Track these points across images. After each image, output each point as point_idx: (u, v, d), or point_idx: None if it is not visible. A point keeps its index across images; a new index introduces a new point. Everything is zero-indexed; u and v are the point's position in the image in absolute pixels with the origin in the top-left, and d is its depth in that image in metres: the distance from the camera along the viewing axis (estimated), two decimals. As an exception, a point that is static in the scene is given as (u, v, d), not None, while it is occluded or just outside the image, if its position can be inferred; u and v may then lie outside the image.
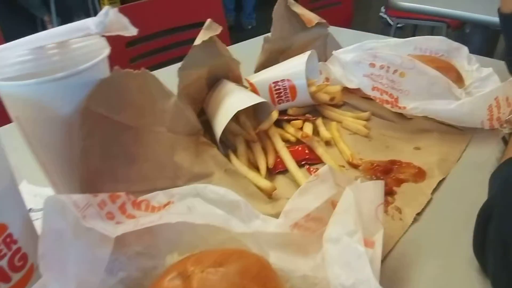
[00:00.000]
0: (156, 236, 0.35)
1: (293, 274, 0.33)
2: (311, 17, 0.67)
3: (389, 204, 0.44)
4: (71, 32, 0.29)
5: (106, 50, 0.36)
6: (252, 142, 0.50)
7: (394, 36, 2.14)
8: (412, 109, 0.54)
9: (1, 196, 0.28)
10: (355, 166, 0.50)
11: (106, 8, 0.26)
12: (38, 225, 0.34)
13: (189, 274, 0.27)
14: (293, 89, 0.57)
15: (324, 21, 0.69)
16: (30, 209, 0.47)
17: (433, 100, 0.54)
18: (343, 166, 0.50)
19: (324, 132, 0.54)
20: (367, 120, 0.59)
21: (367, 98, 0.60)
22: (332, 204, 0.35)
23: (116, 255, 0.32)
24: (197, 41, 0.50)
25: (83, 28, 0.27)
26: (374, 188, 0.35)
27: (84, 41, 0.35)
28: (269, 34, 0.66)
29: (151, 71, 0.42)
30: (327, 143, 0.54)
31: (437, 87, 0.55)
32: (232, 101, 0.50)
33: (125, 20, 0.28)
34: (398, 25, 2.44)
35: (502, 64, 0.70)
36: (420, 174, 0.48)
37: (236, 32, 3.52)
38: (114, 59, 0.37)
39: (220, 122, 0.49)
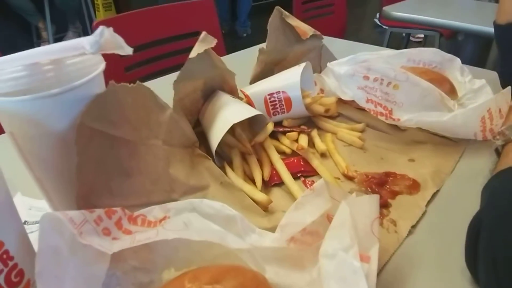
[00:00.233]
0: (152, 251, 0.34)
1: (289, 290, 0.33)
2: (306, 29, 0.68)
3: (384, 216, 0.44)
4: (65, 50, 0.29)
5: (101, 65, 0.37)
6: (247, 155, 0.50)
7: (388, 44, 2.17)
8: (406, 121, 0.54)
9: (-4, 213, 0.28)
10: (350, 178, 0.50)
11: (101, 28, 0.26)
12: (33, 238, 0.34)
13: (187, 291, 0.27)
14: (288, 100, 0.57)
15: (318, 33, 0.70)
16: (25, 221, 0.47)
17: (426, 112, 0.55)
18: (338, 178, 0.50)
19: (319, 143, 0.55)
20: (362, 131, 0.60)
21: (362, 109, 0.61)
22: (327, 217, 0.36)
23: (112, 270, 0.32)
24: (192, 54, 0.50)
25: (78, 47, 0.27)
26: (370, 202, 0.36)
27: (79, 57, 0.35)
28: (264, 46, 0.66)
29: (147, 80, 0.42)
30: (322, 155, 0.55)
31: (430, 99, 0.55)
32: (228, 114, 0.50)
33: (120, 40, 0.28)
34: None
35: (494, 73, 0.71)
36: (414, 186, 0.48)
37: (231, 40, 3.54)
38: (109, 68, 0.37)
39: (216, 135, 0.49)
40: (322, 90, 0.66)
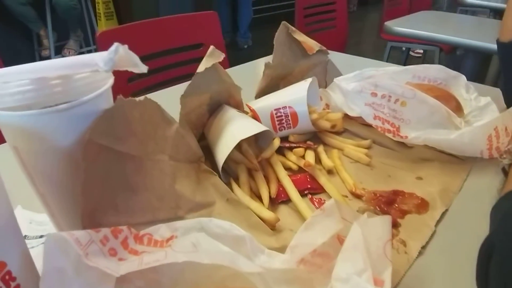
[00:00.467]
0: (158, 272, 0.33)
1: (299, 313, 0.32)
2: (312, 44, 0.68)
3: (394, 236, 0.43)
4: (77, 66, 0.28)
5: (110, 80, 0.36)
6: (254, 171, 0.50)
7: (388, 58, 2.18)
8: (414, 139, 0.54)
9: (0, 233, 0.27)
10: (358, 196, 0.49)
11: (116, 45, 0.26)
12: (33, 253, 0.33)
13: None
14: (294, 116, 0.57)
15: (324, 48, 0.70)
16: (25, 236, 0.46)
17: (434, 130, 0.54)
18: (346, 196, 0.50)
19: (326, 160, 0.54)
20: (368, 148, 0.59)
21: (367, 125, 0.60)
22: (338, 239, 0.35)
23: (118, 291, 0.31)
24: (200, 68, 0.50)
25: (91, 64, 0.27)
26: (382, 224, 0.35)
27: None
28: (269, 60, 0.66)
29: (149, 91, 0.42)
30: (329, 172, 0.54)
31: (438, 116, 0.55)
32: (235, 129, 0.50)
33: (135, 57, 0.27)
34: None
35: (497, 90, 0.71)
36: (423, 205, 0.48)
37: (232, 51, 3.56)
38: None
39: (223, 151, 0.48)
40: (327, 106, 0.66)
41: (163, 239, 0.34)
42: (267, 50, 0.85)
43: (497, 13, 2.24)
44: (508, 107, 0.58)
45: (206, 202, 0.45)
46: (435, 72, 0.70)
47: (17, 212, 0.49)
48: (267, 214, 0.44)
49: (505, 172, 0.52)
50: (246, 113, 0.60)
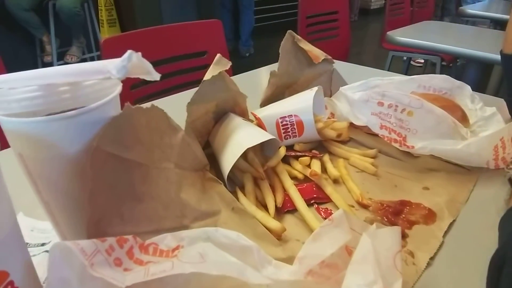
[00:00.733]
0: (163, 282, 0.33)
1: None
2: (318, 53, 0.68)
3: (402, 247, 0.43)
4: (88, 73, 0.28)
5: (118, 87, 0.36)
6: (259, 180, 0.49)
7: (389, 67, 2.19)
8: (420, 149, 0.54)
9: (3, 243, 0.27)
10: (364, 207, 0.49)
11: (129, 52, 0.25)
12: (35, 261, 0.32)
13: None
14: (300, 124, 0.57)
15: (330, 57, 0.70)
16: (27, 244, 0.45)
17: (440, 140, 0.54)
18: (353, 206, 0.49)
19: (332, 169, 0.54)
20: (374, 157, 0.59)
21: (373, 134, 0.60)
22: (346, 250, 0.34)
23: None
24: (207, 76, 0.50)
25: (103, 71, 0.26)
26: (392, 235, 0.34)
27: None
28: (274, 68, 0.66)
29: (153, 98, 0.41)
30: (335, 181, 0.54)
31: (444, 126, 0.55)
32: (241, 137, 0.50)
33: (148, 65, 0.27)
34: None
35: (501, 101, 0.71)
36: (430, 216, 0.47)
37: (234, 59, 3.57)
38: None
39: (228, 159, 0.48)
40: (332, 115, 0.66)
41: (169, 249, 0.33)
42: (269, 58, 0.85)
43: (498, 24, 2.25)
44: None
45: (211, 211, 0.45)
46: (440, 82, 0.70)
47: (19, 219, 0.48)
48: (273, 223, 0.43)
49: (511, 182, 0.52)
50: (251, 121, 0.60)
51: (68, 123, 0.32)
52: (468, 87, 0.70)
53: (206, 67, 0.52)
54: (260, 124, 0.58)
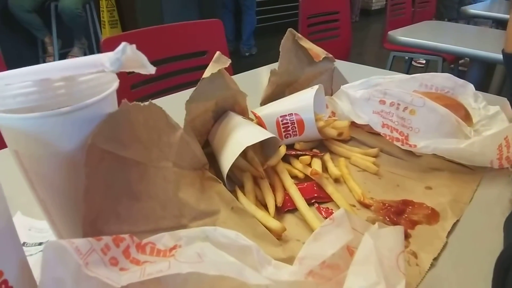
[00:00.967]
0: (161, 283, 0.32)
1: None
2: (319, 52, 0.67)
3: (405, 248, 0.42)
4: (82, 67, 0.27)
5: (115, 83, 0.35)
6: (259, 179, 0.48)
7: (390, 68, 2.18)
8: (423, 148, 0.53)
9: (-3, 241, 0.26)
10: (366, 206, 0.48)
11: (123, 44, 0.24)
12: (32, 261, 0.31)
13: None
14: (301, 123, 0.56)
15: (330, 55, 0.69)
16: (24, 243, 0.45)
17: (443, 139, 0.53)
18: (354, 206, 0.48)
19: (333, 168, 0.53)
20: (376, 156, 0.58)
21: (374, 133, 0.59)
22: (348, 250, 0.34)
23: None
24: (206, 74, 0.49)
25: (97, 64, 0.26)
26: (394, 235, 0.34)
27: (93, 74, 0.34)
28: (275, 67, 0.65)
29: (153, 97, 0.41)
30: (336, 181, 0.53)
31: (447, 125, 0.54)
32: (241, 136, 0.49)
33: (143, 58, 0.26)
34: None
35: (504, 100, 0.71)
36: (433, 216, 0.46)
37: (235, 59, 3.57)
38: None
39: (228, 158, 0.47)
40: (333, 113, 0.65)
41: (167, 249, 0.33)
42: (270, 58, 0.84)
43: (500, 24, 2.24)
44: None
45: (210, 210, 0.44)
46: (443, 80, 0.69)
47: (17, 218, 0.48)
48: (274, 223, 0.42)
49: (516, 182, 0.51)
50: (251, 120, 0.59)
51: (64, 119, 0.31)
52: (471, 86, 0.69)
53: (206, 67, 0.52)
54: (260, 123, 0.58)
